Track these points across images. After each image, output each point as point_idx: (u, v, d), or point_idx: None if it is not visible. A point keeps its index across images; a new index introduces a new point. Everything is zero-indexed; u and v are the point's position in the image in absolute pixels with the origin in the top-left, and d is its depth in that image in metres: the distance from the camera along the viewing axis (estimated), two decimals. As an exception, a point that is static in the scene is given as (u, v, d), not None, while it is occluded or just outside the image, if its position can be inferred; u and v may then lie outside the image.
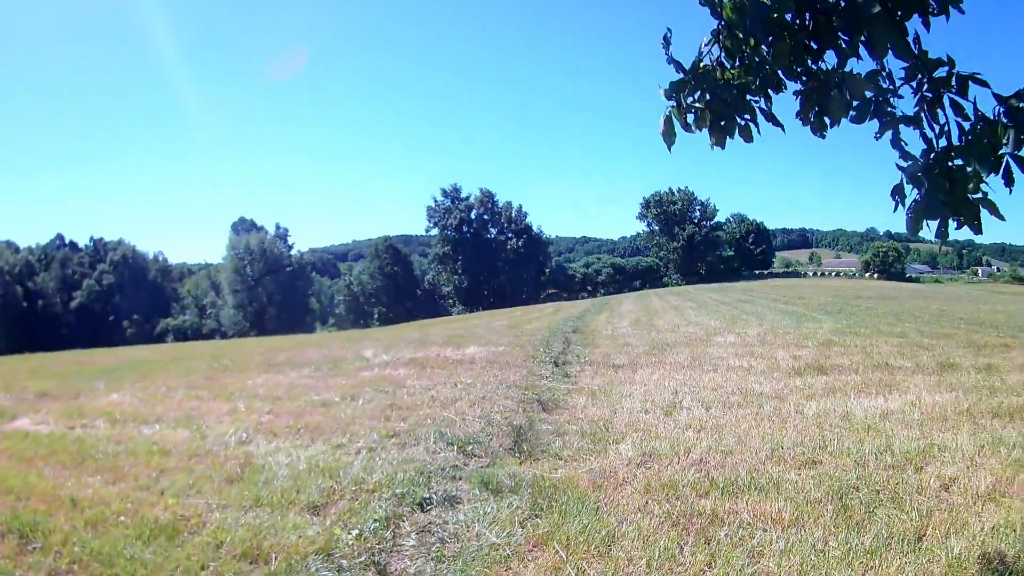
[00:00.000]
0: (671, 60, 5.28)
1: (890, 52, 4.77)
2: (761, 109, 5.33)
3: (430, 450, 9.67)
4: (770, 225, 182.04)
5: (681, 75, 5.28)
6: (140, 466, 10.11)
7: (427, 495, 7.74)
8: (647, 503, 7.25)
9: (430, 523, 7.04)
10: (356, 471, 8.76)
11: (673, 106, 5.35)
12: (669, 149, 5.54)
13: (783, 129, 5.40)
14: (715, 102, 5.25)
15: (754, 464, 8.43)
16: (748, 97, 5.27)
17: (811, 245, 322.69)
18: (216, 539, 6.99)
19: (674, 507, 7.06)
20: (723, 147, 5.41)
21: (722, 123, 5.30)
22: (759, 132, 5.38)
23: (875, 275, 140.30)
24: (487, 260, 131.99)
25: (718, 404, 11.91)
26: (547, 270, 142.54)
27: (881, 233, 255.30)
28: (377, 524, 6.96)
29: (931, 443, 9.17)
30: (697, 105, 5.30)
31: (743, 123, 5.33)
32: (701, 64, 5.29)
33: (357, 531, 6.83)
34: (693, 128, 5.36)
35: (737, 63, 5.24)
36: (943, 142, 4.70)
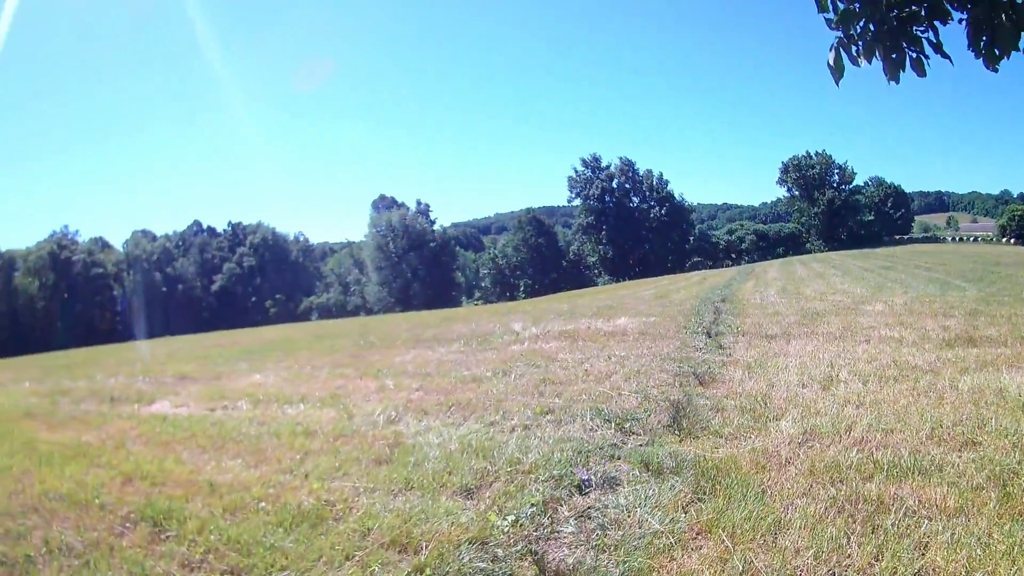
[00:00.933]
0: None
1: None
2: (929, 41, 5.01)
3: (587, 427, 9.39)
4: (907, 188, 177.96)
5: (844, 3, 4.94)
6: (283, 448, 10.02)
7: (586, 476, 7.42)
8: (811, 486, 6.85)
9: (589, 507, 6.72)
10: (511, 451, 8.52)
11: (840, 36, 5.03)
12: (837, 83, 5.34)
13: (951, 62, 5.14)
14: (884, 32, 4.89)
15: (915, 444, 7.94)
16: (915, 29, 4.90)
17: (947, 208, 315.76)
18: (363, 526, 6.76)
19: (839, 491, 6.64)
20: (897, 81, 5.22)
21: (894, 55, 4.95)
22: (929, 65, 5.02)
23: (1012, 240, 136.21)
24: (631, 229, 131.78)
25: (874, 378, 11.37)
26: (691, 238, 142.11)
27: (1015, 196, 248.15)
28: (534, 509, 6.67)
29: (1086, 422, 8.56)
30: (865, 36, 4.96)
31: (914, 55, 4.98)
32: None
33: (513, 517, 6.54)
34: (861, 61, 5.03)
35: None
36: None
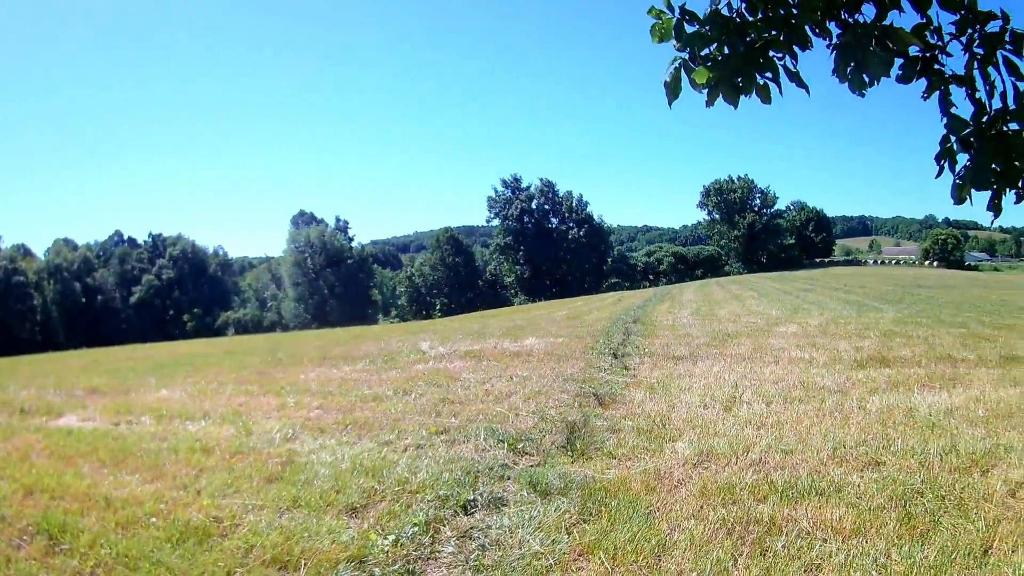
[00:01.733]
0: (678, 8, 5.09)
1: (935, 3, 4.57)
2: (785, 67, 5.13)
3: (479, 448, 9.56)
4: (830, 212, 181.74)
5: (696, 26, 5.09)
6: (180, 464, 10.08)
7: (472, 497, 7.60)
8: (702, 508, 7.05)
9: (472, 528, 6.89)
10: (400, 470, 8.66)
11: (684, 58, 5.17)
12: (670, 104, 5.38)
13: (807, 91, 5.25)
14: (734, 56, 5.05)
15: (815, 465, 8.21)
16: (771, 53, 5.07)
17: (871, 232, 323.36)
18: (247, 543, 6.90)
19: (730, 513, 6.85)
20: (735, 106, 5.24)
21: (739, 80, 5.10)
22: (780, 93, 5.17)
23: (934, 263, 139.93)
24: (549, 250, 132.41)
25: (779, 399, 11.71)
26: (609, 259, 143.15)
27: (940, 220, 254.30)
28: (416, 529, 6.83)
29: (997, 443, 8.91)
30: (714, 56, 5.10)
31: (762, 82, 5.14)
32: (719, 14, 5.08)
33: (394, 536, 6.69)
34: (699, 86, 5.17)
35: (760, 15, 5.03)
36: (997, 104, 4.48)
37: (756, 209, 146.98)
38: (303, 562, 6.39)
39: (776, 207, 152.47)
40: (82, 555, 7.11)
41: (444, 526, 6.95)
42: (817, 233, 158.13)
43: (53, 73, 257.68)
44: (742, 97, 5.20)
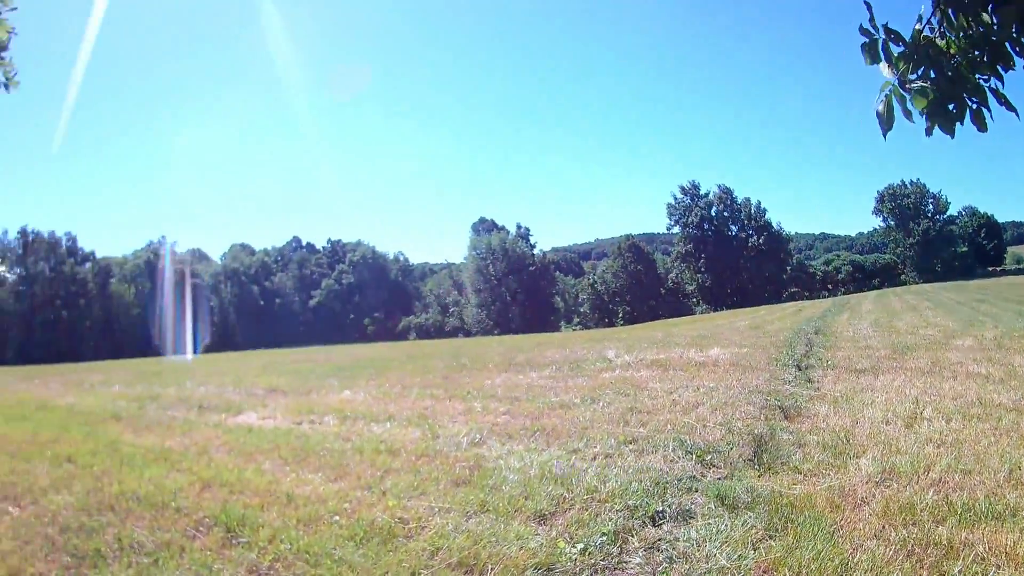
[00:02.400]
0: (883, 28, 4.78)
1: None
2: (992, 90, 4.74)
3: (668, 458, 9.33)
4: (1000, 218, 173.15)
5: (901, 46, 4.78)
6: (364, 465, 10.08)
7: (660, 508, 7.38)
8: (884, 528, 6.72)
9: (660, 539, 6.68)
10: (589, 479, 8.48)
11: (895, 84, 4.85)
12: (884, 136, 5.07)
13: (1017, 114, 4.78)
14: (942, 80, 4.72)
15: (992, 487, 7.73)
16: (976, 76, 4.72)
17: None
18: (432, 545, 6.80)
19: (911, 534, 6.49)
20: (952, 135, 4.88)
21: (952, 107, 4.76)
22: (991, 118, 4.81)
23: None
24: (729, 258, 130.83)
25: (958, 416, 11.15)
26: (788, 268, 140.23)
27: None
28: (604, 538, 6.65)
29: None
30: (921, 84, 4.78)
31: (974, 107, 4.78)
32: (922, 35, 4.77)
33: (582, 545, 6.52)
34: (912, 112, 4.84)
35: (962, 35, 4.70)
36: None
37: (929, 215, 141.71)
38: (489, 567, 6.26)
39: (948, 213, 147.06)
40: (260, 549, 7.11)
41: (632, 536, 6.75)
42: (989, 240, 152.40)
43: (212, 84, 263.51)
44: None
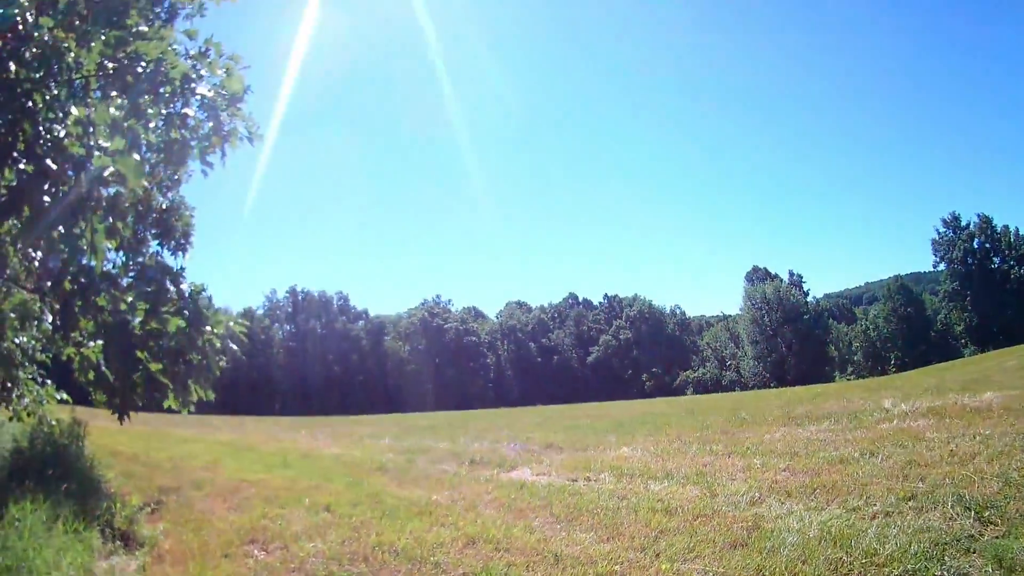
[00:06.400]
0: None
1: None
2: None
3: (947, 516, 8.99)
4: None
5: None
6: (639, 524, 10.00)
7: (938, 573, 7.12)
8: None
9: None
10: (869, 540, 8.19)
11: None
12: None
13: None
14: None
15: None
16: None
17: None
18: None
19: None
20: None
21: None
22: None
23: None
24: (993, 293, 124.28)
25: None
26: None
27: None
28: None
29: None
30: None
31: None
32: None
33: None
34: None
35: None
36: None
37: None
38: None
39: None
40: None
41: None
42: None
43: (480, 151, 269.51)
44: None
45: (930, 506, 9.37)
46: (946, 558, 7.44)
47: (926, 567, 7.14)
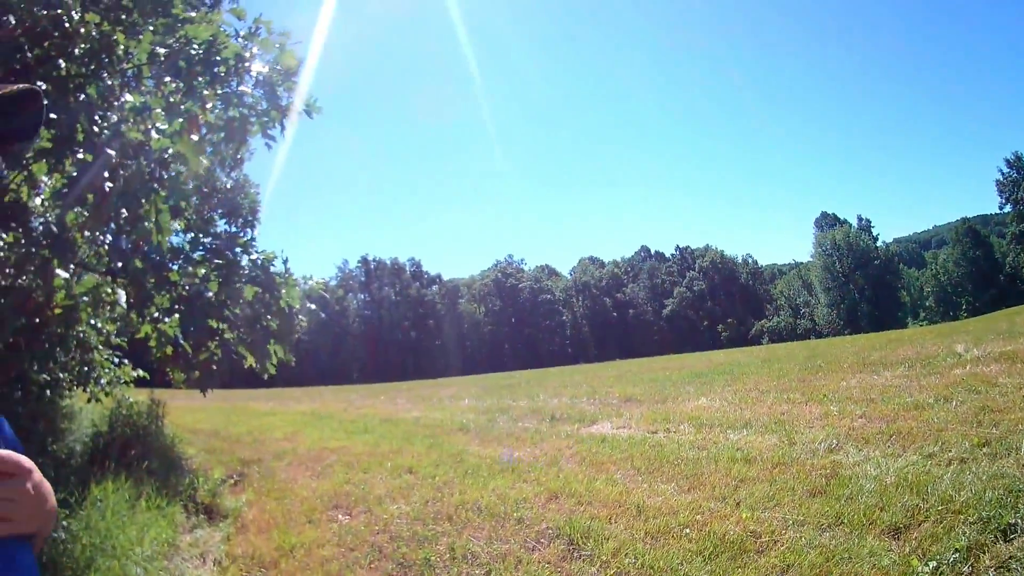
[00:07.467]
0: None
1: None
2: None
3: (1021, 463, 8.73)
4: None
5: None
6: (719, 474, 10.02)
7: (1013, 520, 6.89)
8: None
9: (1011, 557, 6.25)
10: (944, 487, 8.04)
11: None
12: None
13: None
14: None
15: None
16: None
17: None
18: (784, 561, 6.65)
19: None
20: None
21: None
22: None
23: None
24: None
25: None
26: None
27: None
28: (957, 555, 6.32)
29: None
30: None
31: None
32: None
33: (935, 563, 6.23)
34: None
35: None
36: None
37: None
38: (844, 585, 5.97)
39: None
40: (602, 563, 7.11)
41: (984, 553, 6.39)
42: None
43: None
44: None
45: (1004, 453, 9.19)
46: (1020, 505, 7.25)
47: (1000, 514, 6.98)
